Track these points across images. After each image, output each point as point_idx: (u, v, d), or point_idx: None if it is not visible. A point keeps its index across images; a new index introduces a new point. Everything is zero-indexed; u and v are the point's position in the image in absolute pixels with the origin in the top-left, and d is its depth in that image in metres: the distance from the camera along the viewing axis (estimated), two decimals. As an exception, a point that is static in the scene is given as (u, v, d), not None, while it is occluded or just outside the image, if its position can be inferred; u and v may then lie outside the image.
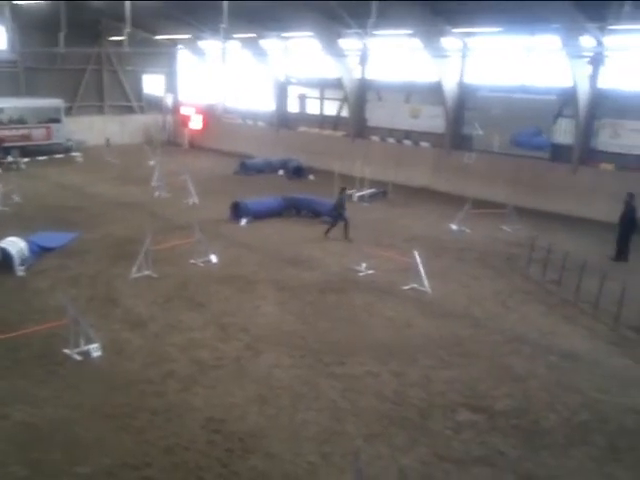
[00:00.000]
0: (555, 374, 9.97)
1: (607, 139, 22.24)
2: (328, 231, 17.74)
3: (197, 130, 37.19)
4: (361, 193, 23.63)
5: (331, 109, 31.93)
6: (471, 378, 9.63)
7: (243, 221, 18.96)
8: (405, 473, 7.15)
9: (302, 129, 32.88)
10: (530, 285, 14.46)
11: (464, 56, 25.42)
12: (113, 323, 11.22)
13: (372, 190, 24.04)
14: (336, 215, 17.75)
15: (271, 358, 9.99)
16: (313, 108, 32.92)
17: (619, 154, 21.95)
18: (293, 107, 33.61)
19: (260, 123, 35.06)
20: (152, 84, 38.67)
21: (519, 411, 8.71)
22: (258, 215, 19.44)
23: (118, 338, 10.59)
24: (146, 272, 13.63)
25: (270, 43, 32.28)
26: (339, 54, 28.91)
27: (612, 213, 21.17)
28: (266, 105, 34.40)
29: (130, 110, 37.52)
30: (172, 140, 38.03)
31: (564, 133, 23.25)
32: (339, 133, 31.16)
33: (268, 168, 28.97)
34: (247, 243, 16.85)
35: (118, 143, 34.19)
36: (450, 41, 25.33)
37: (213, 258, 14.93)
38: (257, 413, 8.35)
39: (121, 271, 13.81)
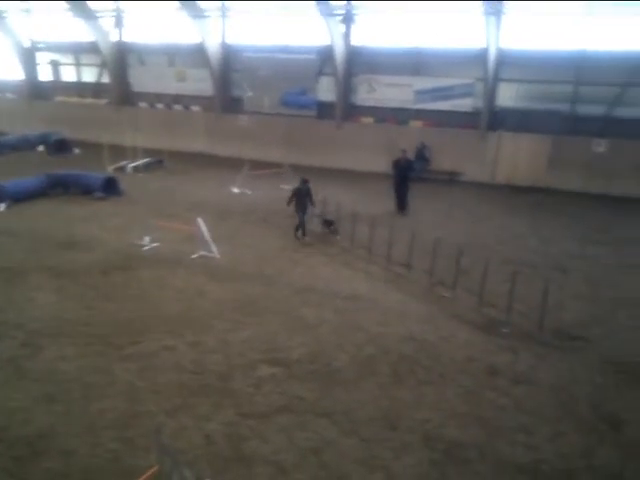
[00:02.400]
0: (342, 317, 10.70)
1: (364, 94, 24.07)
2: (299, 233, 15.23)
3: None
4: (135, 163, 22.54)
5: (90, 75, 29.65)
6: (267, 334, 9.90)
7: (1, 206, 16.84)
8: (211, 438, 7.14)
9: (59, 99, 30.10)
10: (312, 238, 15.21)
11: (224, 16, 25.26)
12: None
13: (147, 159, 23.07)
14: (302, 211, 15.18)
15: (53, 352, 9.13)
16: (69, 75, 30.24)
17: (376, 108, 23.92)
18: (45, 75, 30.48)
19: (9, 95, 31.24)
20: None
21: (313, 357, 9.20)
22: (19, 197, 17.43)
23: None
24: None
25: (6, 5, 28.61)
26: (90, 16, 26.76)
27: (375, 164, 23.22)
28: (13, 74, 30.67)
29: None
30: None
31: (326, 91, 24.59)
32: (102, 101, 29.18)
33: (25, 144, 26.07)
34: (10, 229, 15.05)
35: None
36: (208, 2, 24.93)
37: (-32, 252, 13.10)
38: (45, 412, 7.61)
39: None
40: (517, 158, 21.87)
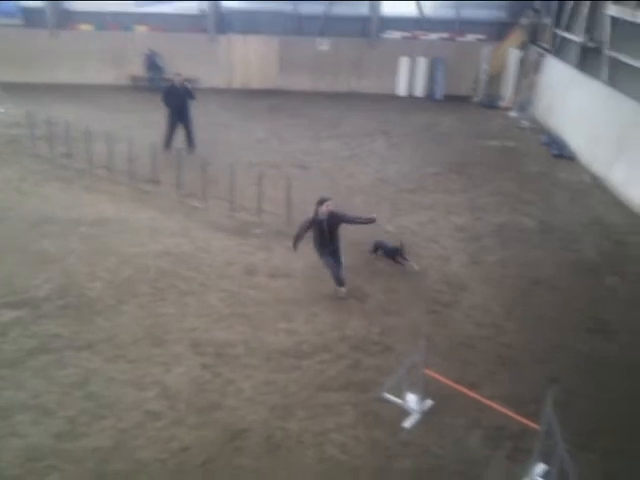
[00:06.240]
0: (89, 244, 10.02)
1: (78, -2, 21.60)
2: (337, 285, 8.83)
3: None
4: None
5: None
6: (3, 276, 8.87)
7: None
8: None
9: None
10: (41, 165, 13.69)
11: None
12: None
13: None
14: (331, 254, 8.77)
15: None
16: None
17: (95, 13, 21.69)
18: None
19: None
20: None
21: (63, 291, 8.54)
22: None
23: None
24: None
25: None
26: None
27: (102, 75, 21.43)
28: None
29: None
30: None
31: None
32: None
33: None
34: None
35: None
36: None
37: None
38: None
39: None
40: (249, 61, 21.96)
